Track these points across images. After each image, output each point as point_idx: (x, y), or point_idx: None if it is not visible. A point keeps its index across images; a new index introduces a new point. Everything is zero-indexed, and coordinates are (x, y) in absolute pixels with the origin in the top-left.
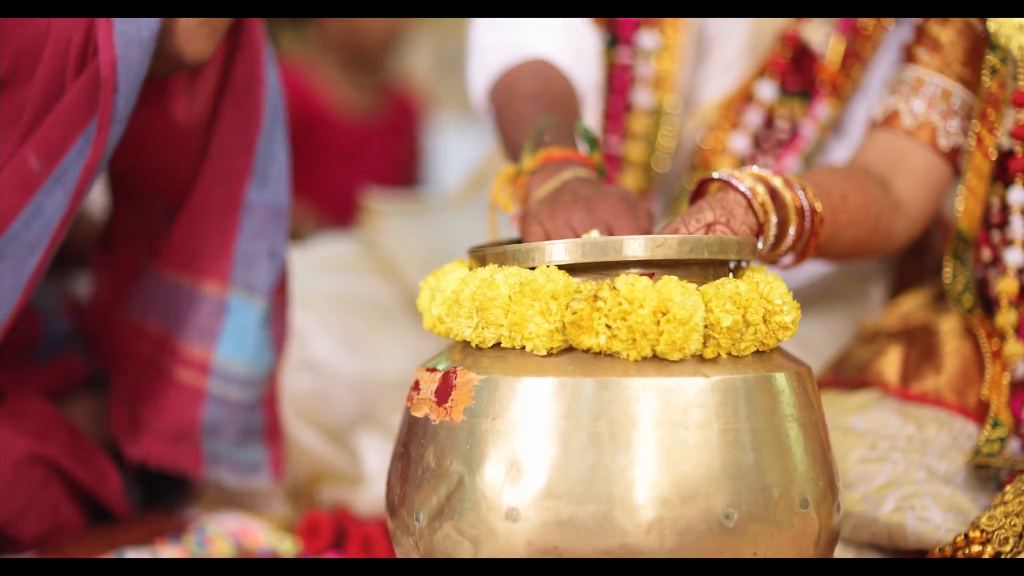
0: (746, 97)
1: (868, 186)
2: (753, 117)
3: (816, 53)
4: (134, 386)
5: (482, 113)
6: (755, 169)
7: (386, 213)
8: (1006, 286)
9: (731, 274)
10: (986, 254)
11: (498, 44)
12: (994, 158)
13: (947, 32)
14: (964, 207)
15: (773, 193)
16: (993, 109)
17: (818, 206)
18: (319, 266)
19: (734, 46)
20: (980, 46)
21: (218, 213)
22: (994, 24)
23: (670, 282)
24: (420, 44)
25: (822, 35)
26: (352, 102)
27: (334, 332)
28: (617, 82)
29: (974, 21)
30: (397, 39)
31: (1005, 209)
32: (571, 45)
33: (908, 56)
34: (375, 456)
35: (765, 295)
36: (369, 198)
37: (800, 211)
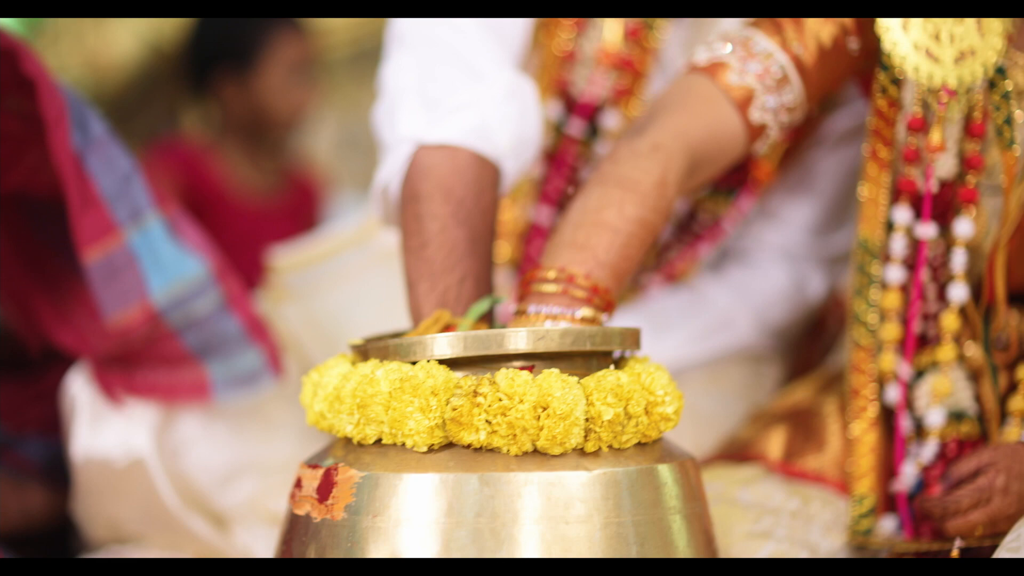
0: None
1: (651, 217)
2: (679, 207)
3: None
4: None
5: (390, 193)
6: (548, 283)
7: (291, 268)
8: (889, 301)
9: (613, 364)
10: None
11: (434, 106)
12: (888, 170)
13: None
14: (864, 216)
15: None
16: (886, 124)
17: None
18: None
19: None
20: (839, 48)
21: (69, 181)
22: (889, 43)
23: (550, 376)
24: (323, 124)
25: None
26: (251, 184)
27: (227, 411)
28: (561, 156)
29: (847, 30)
30: (301, 119)
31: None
32: (519, 140)
33: (755, 21)
34: (262, 547)
35: (647, 386)
36: (274, 257)
37: (590, 300)
